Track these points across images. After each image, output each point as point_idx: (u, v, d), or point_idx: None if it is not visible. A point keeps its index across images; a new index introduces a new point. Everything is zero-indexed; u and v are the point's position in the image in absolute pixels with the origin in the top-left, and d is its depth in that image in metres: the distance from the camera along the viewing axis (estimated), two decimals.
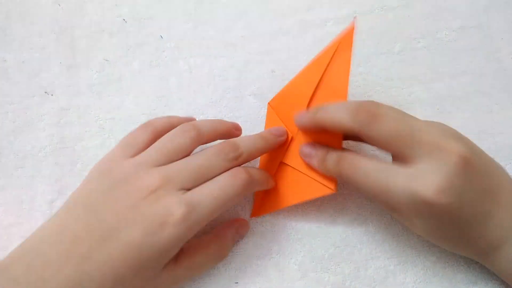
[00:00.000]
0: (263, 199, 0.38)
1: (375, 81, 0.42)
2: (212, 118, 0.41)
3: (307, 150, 0.35)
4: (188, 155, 0.33)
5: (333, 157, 0.33)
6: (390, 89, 0.42)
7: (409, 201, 0.29)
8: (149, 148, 0.33)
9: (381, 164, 0.31)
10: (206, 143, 0.35)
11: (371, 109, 0.31)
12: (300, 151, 0.36)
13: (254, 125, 0.41)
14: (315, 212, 0.38)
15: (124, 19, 0.44)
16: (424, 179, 0.28)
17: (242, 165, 0.34)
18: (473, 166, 0.29)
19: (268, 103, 0.39)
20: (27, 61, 0.42)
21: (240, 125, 0.39)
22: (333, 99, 0.34)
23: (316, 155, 0.34)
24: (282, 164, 0.37)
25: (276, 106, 0.39)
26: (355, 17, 0.42)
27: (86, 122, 0.41)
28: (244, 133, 0.40)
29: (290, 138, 0.37)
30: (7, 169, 0.39)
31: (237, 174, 0.32)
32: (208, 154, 0.32)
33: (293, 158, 0.37)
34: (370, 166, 0.31)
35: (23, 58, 0.42)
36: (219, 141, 0.35)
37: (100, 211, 0.30)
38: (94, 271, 0.28)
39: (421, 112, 0.41)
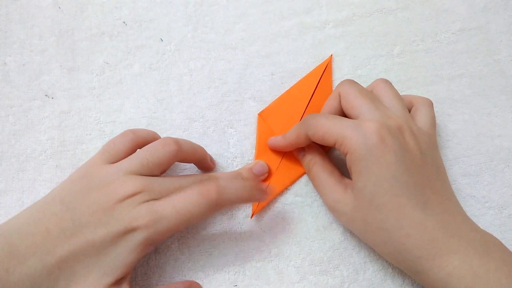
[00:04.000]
0: None
1: None
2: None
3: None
4: (167, 168, 0.34)
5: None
6: None
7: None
8: (130, 156, 0.33)
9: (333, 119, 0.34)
10: (184, 161, 0.36)
11: (305, 119, 0.36)
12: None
13: (253, 128, 0.41)
14: (313, 215, 0.38)
15: (124, 22, 0.44)
16: (366, 122, 0.33)
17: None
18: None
19: (259, 114, 0.41)
20: (28, 64, 0.42)
21: (240, 128, 0.40)
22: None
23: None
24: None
25: (267, 117, 0.41)
26: (331, 55, 0.43)
27: (87, 125, 0.41)
28: (244, 135, 0.40)
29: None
30: (8, 172, 0.39)
31: (206, 193, 0.32)
32: (190, 181, 0.33)
33: (288, 165, 0.40)
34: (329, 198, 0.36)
35: (24, 61, 0.42)
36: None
37: (76, 210, 0.31)
38: (54, 267, 0.29)
39: None
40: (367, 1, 0.45)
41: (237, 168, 0.40)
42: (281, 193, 0.39)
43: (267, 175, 0.39)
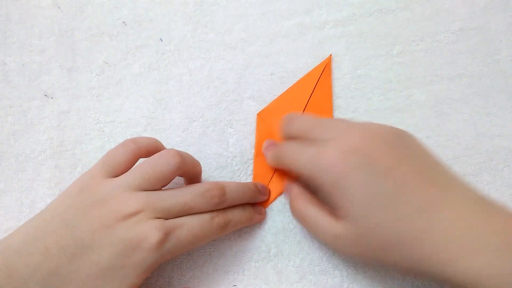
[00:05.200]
0: None
1: (373, 83, 0.42)
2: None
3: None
4: (168, 182, 0.32)
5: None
6: (389, 92, 0.42)
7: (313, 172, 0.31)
8: (131, 170, 0.32)
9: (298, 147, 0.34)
10: (184, 175, 0.35)
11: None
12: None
13: (253, 128, 0.41)
14: None
15: (124, 22, 0.44)
16: (324, 153, 0.31)
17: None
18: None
19: (258, 114, 0.41)
20: (27, 64, 0.42)
21: (239, 128, 0.40)
22: (322, 113, 0.41)
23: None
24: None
25: (266, 117, 0.41)
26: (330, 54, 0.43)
27: (86, 125, 0.41)
28: (243, 134, 0.40)
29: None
30: (7, 172, 0.39)
31: (216, 219, 0.32)
32: (194, 193, 0.32)
33: None
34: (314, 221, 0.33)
35: (23, 61, 0.43)
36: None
37: (76, 227, 0.29)
38: (56, 287, 0.28)
39: (420, 115, 0.41)
40: (366, 1, 0.45)
41: (236, 168, 0.40)
42: (280, 193, 0.39)
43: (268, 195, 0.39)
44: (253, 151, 0.40)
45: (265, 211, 0.38)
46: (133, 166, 0.33)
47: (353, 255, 0.32)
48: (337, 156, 0.30)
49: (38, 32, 0.43)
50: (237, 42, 0.44)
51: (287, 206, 0.38)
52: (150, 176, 0.31)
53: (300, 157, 0.32)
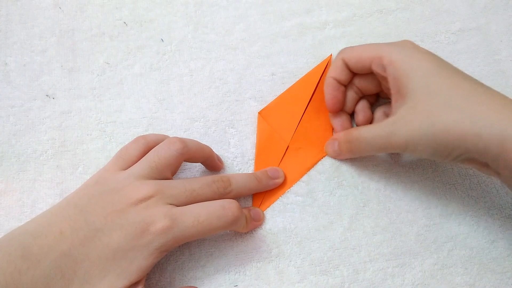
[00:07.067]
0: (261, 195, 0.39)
1: None
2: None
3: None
4: (176, 168, 0.35)
5: (342, 145, 0.38)
6: None
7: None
8: (140, 161, 0.34)
9: (376, 127, 0.35)
10: (191, 160, 0.37)
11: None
12: (325, 150, 0.40)
13: (254, 128, 0.41)
14: (314, 215, 0.38)
15: (124, 22, 0.44)
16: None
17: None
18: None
19: (259, 112, 0.41)
20: (28, 64, 0.42)
21: (240, 128, 0.40)
22: (324, 112, 0.41)
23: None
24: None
25: (267, 115, 0.41)
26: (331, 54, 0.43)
27: (87, 125, 0.41)
28: (245, 135, 0.40)
29: (286, 147, 0.40)
30: (9, 173, 0.39)
31: (228, 208, 0.32)
32: (201, 182, 0.34)
33: (289, 164, 0.40)
34: (369, 134, 0.35)
35: (24, 61, 0.43)
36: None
37: (89, 212, 0.31)
38: (69, 269, 0.29)
39: None
40: (367, 1, 0.45)
41: (237, 168, 0.40)
42: (282, 193, 0.39)
43: (284, 178, 0.39)
44: (254, 151, 0.40)
45: (264, 215, 0.38)
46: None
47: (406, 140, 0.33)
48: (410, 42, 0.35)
49: (39, 32, 0.43)
50: (238, 42, 0.44)
51: (288, 207, 0.38)
52: (157, 164, 0.33)
53: (373, 45, 0.36)
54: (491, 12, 0.45)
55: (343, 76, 0.38)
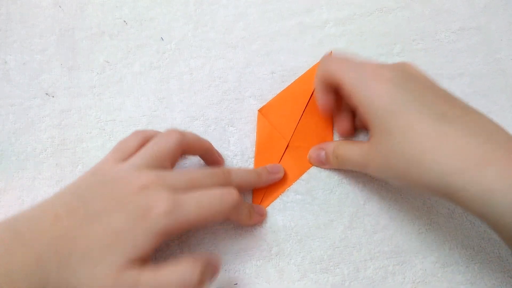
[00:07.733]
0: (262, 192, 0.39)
1: None
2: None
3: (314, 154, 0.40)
4: (175, 159, 0.34)
5: (330, 155, 0.38)
6: None
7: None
8: (138, 152, 0.33)
9: (356, 150, 0.35)
10: (190, 152, 0.36)
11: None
12: (308, 157, 0.40)
13: (254, 126, 0.41)
14: (314, 214, 0.38)
15: (124, 21, 0.44)
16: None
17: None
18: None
19: (258, 110, 0.41)
20: (28, 63, 0.42)
21: (241, 127, 0.40)
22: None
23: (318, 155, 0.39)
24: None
25: (267, 113, 0.41)
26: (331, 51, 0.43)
27: (87, 123, 0.41)
28: (244, 133, 0.40)
29: (286, 145, 0.40)
30: (9, 171, 0.39)
31: (230, 195, 0.32)
32: (201, 173, 0.34)
33: (289, 162, 0.40)
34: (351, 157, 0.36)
35: (24, 60, 0.43)
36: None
37: (88, 200, 0.30)
38: (64, 250, 0.28)
39: None
40: (367, 0, 0.45)
41: (237, 166, 0.40)
42: (282, 191, 0.39)
43: (284, 173, 0.39)
44: (254, 149, 0.40)
45: (266, 211, 0.38)
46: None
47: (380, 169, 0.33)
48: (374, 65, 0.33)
49: (39, 31, 0.43)
50: (238, 41, 0.44)
51: (288, 205, 0.38)
52: (156, 154, 0.33)
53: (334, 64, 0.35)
54: (491, 11, 0.45)
55: (327, 87, 0.37)
